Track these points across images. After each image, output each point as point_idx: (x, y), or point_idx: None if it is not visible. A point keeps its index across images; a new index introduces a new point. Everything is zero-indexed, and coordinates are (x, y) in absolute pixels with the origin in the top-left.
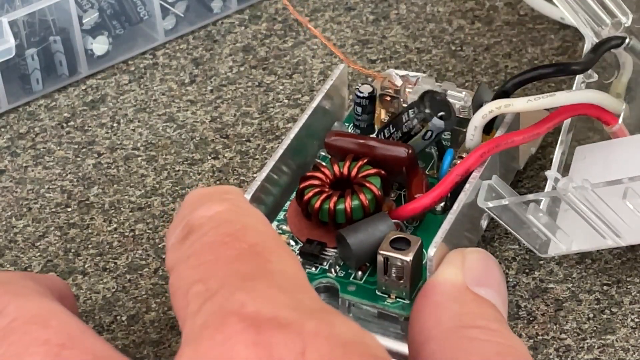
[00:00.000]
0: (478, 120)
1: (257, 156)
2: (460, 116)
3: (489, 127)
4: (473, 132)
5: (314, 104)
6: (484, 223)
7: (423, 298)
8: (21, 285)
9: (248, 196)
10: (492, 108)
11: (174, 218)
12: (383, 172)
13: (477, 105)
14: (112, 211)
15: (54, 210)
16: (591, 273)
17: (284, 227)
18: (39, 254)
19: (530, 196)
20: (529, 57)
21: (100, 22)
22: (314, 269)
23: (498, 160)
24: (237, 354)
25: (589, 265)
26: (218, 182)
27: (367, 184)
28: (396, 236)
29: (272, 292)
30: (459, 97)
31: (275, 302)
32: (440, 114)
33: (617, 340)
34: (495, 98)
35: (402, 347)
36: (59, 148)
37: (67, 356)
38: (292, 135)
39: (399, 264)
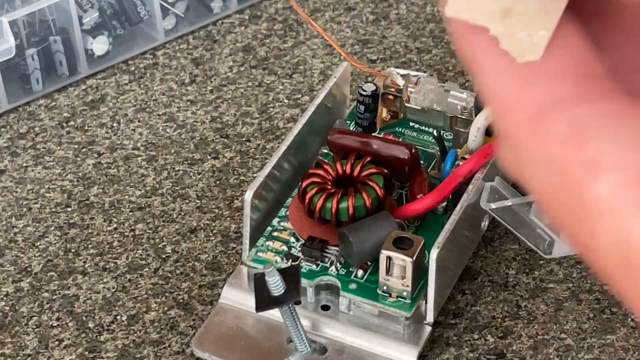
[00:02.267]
0: (481, 121)
1: (257, 156)
2: (463, 117)
3: (491, 129)
4: (475, 134)
5: (317, 102)
6: (484, 223)
7: None
8: None
9: (250, 192)
10: None
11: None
12: (386, 171)
13: (479, 106)
14: (112, 211)
15: (54, 210)
16: (591, 273)
17: (286, 224)
18: (39, 253)
19: None
20: None
21: (100, 22)
22: (315, 266)
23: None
24: None
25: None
26: (218, 182)
27: (371, 183)
28: (399, 236)
29: None
30: (461, 98)
31: None
32: None
33: (617, 340)
34: None
35: (402, 347)
36: (59, 148)
37: None
38: (294, 132)
39: (402, 263)
